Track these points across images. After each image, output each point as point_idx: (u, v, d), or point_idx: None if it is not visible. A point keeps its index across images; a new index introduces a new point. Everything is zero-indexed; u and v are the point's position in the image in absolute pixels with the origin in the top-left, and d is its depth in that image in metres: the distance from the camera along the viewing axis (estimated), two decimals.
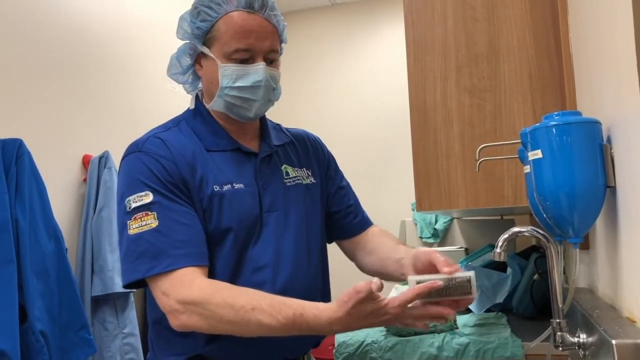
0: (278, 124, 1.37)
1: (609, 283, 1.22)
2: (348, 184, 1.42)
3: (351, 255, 1.38)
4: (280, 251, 1.16)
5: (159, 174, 1.09)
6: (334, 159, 1.41)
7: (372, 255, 1.31)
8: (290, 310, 0.97)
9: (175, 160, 1.12)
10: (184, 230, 1.07)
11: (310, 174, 1.30)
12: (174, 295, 1.02)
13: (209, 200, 1.11)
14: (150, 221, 1.06)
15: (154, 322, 1.17)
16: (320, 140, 1.42)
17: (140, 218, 1.06)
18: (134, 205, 1.07)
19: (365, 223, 1.38)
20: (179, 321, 1.02)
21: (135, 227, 1.06)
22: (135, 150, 1.13)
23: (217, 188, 1.13)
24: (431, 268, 1.06)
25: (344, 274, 1.99)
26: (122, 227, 1.09)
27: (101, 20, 2.77)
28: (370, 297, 0.94)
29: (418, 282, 0.97)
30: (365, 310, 0.94)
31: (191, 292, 1.01)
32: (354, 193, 1.41)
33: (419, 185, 1.80)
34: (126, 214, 1.08)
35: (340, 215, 1.35)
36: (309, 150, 1.35)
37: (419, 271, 1.10)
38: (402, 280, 1.20)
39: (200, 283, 1.03)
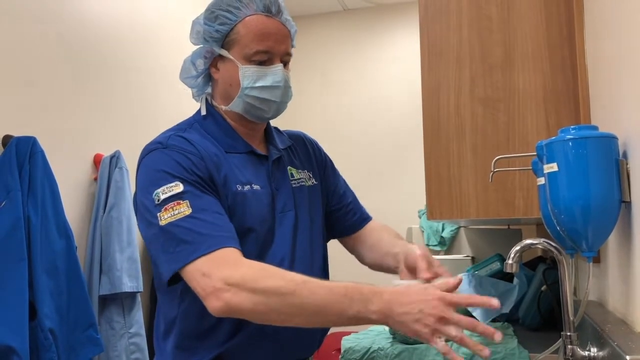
0: (276, 127, 1.39)
1: (620, 297, 1.22)
2: (345, 182, 1.45)
3: (351, 250, 1.42)
4: (292, 252, 1.19)
5: (188, 167, 1.09)
6: (330, 159, 1.45)
7: (373, 251, 1.35)
8: (342, 283, 0.98)
9: (202, 156, 1.12)
10: (217, 217, 1.06)
11: (311, 175, 1.34)
12: (217, 274, 0.98)
13: (233, 198, 1.13)
14: (183, 209, 1.03)
15: (168, 323, 1.16)
16: (317, 142, 1.45)
17: (172, 207, 1.03)
18: (163, 196, 1.04)
19: (365, 219, 1.41)
20: (221, 301, 0.97)
21: (167, 217, 1.03)
22: (160, 147, 1.12)
23: (239, 187, 1.14)
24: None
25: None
26: (151, 221, 1.05)
27: (114, 20, 2.79)
28: None
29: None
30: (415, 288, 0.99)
31: (238, 269, 0.99)
32: (351, 190, 1.45)
33: (431, 193, 1.80)
34: (155, 207, 1.05)
35: (339, 213, 1.39)
36: (308, 152, 1.38)
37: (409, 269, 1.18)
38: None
39: (249, 262, 1.02)
